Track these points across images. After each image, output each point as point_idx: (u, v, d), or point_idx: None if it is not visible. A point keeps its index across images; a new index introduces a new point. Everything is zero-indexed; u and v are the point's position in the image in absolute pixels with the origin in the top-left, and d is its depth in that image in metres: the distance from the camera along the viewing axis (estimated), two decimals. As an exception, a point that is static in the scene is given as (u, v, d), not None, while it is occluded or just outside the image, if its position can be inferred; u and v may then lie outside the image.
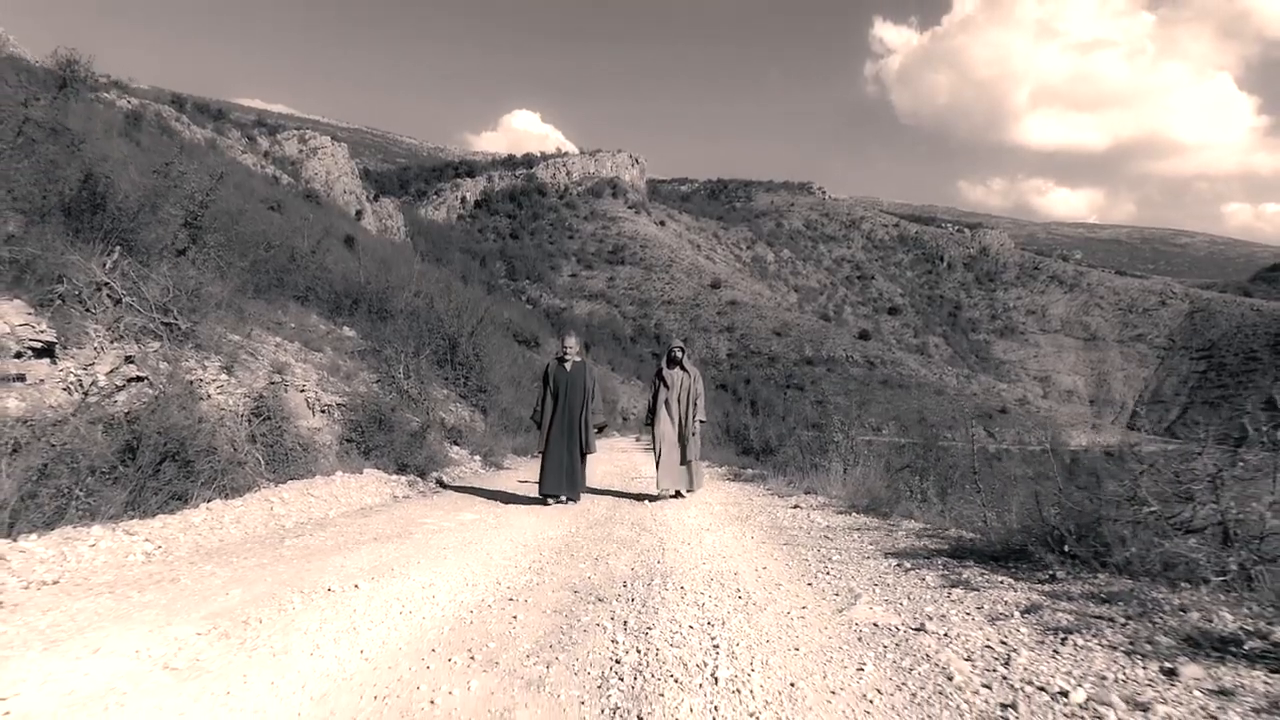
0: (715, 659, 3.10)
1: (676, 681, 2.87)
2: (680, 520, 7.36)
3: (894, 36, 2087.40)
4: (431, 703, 2.69)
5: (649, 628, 3.57)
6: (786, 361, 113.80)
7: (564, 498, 8.53)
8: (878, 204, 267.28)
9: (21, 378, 6.21)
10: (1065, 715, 2.42)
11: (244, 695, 2.76)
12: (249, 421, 8.53)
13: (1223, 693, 2.52)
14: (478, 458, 13.63)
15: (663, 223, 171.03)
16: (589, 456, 8.88)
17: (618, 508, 8.32)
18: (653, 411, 9.32)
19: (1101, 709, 2.43)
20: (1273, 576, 3.59)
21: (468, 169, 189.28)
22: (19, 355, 6.29)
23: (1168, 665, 2.73)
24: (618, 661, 3.10)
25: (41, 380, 6.40)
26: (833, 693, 2.73)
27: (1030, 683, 2.69)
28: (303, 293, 17.82)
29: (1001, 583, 4.18)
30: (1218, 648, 2.90)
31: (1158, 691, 2.55)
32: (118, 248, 8.83)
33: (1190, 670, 2.67)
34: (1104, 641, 3.07)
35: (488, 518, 7.43)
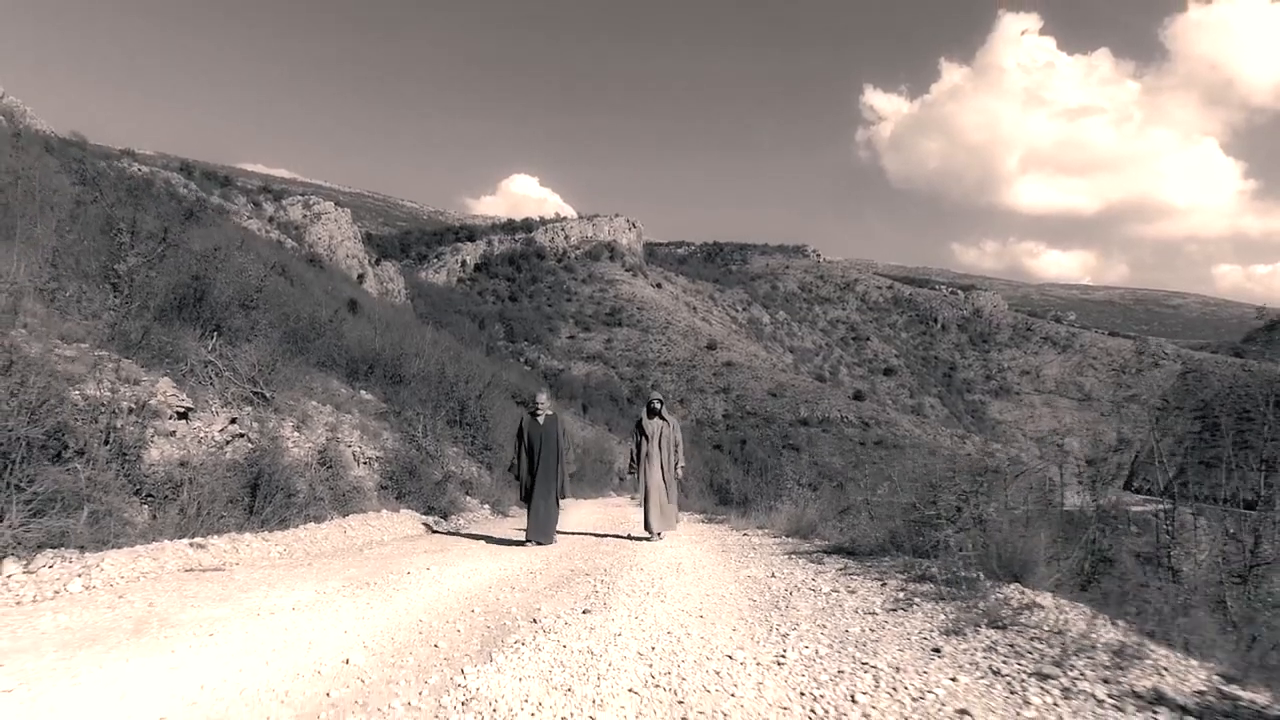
0: (651, 589, 5.50)
1: (627, 595, 5.26)
2: (651, 543, 9.69)
3: (884, 104, 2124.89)
4: (497, 599, 5.10)
5: (616, 581, 5.98)
6: (782, 422, 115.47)
7: (540, 542, 9.24)
8: (872, 266, 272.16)
9: (174, 433, 8.60)
10: (815, 595, 4.82)
11: (395, 601, 5.14)
12: (317, 469, 10.92)
13: (903, 589, 4.90)
14: (486, 506, 15.91)
15: (659, 285, 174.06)
16: (563, 503, 9.65)
17: (604, 539, 10.62)
18: (636, 462, 10.19)
19: (831, 591, 4.82)
20: (1002, 551, 5.96)
21: (468, 233, 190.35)
22: (171, 417, 8.70)
23: (882, 581, 5.13)
24: (595, 592, 5.50)
25: (185, 436, 8.79)
26: (707, 595, 5.14)
27: (809, 588, 5.10)
28: (323, 359, 19.87)
29: (842, 562, 6.57)
30: (924, 579, 5.27)
31: (868, 587, 4.97)
32: (215, 332, 11.35)
33: (893, 582, 5.08)
34: (867, 577, 5.48)
35: (504, 542, 9.76)
